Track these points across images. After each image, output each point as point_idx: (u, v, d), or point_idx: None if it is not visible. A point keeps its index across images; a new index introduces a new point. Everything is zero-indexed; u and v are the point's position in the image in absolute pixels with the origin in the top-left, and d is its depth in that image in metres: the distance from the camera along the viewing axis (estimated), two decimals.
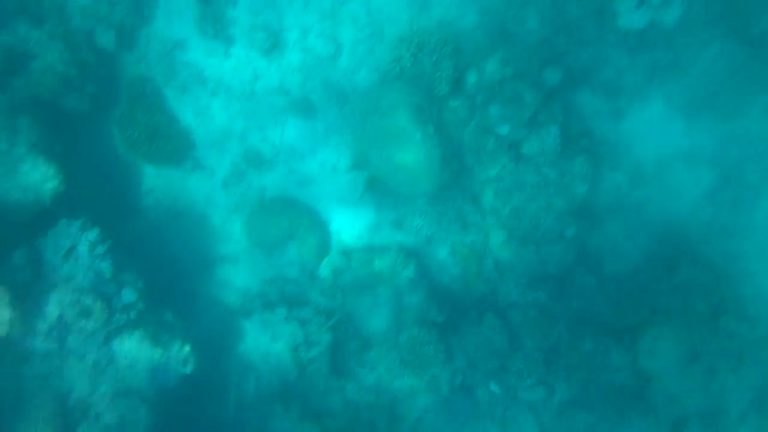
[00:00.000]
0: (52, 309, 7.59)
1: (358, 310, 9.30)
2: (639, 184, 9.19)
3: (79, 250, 7.78)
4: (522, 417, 9.44)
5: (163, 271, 9.19)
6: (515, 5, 8.52)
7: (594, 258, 9.34)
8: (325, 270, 9.43)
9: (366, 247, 9.51)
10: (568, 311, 9.31)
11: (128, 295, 7.96)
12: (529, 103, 8.39)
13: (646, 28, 8.34)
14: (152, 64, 9.07)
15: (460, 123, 8.76)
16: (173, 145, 9.14)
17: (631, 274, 9.24)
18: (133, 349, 7.87)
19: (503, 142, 8.62)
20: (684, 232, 9.15)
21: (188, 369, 8.19)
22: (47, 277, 7.71)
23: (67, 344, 7.66)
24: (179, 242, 9.61)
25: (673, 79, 8.75)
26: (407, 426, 9.56)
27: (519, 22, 8.57)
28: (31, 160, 7.87)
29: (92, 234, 7.83)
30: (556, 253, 9.09)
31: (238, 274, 9.75)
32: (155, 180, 9.53)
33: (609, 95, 8.94)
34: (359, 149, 9.15)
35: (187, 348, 8.20)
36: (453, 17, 8.74)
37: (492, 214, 9.06)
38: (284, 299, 9.60)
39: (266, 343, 9.32)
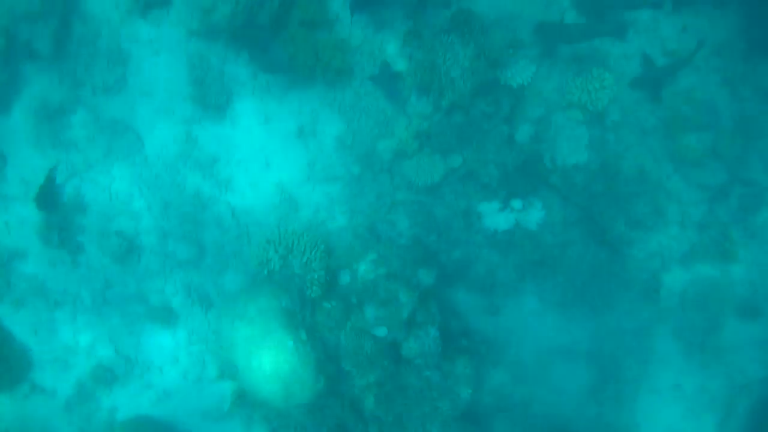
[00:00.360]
0: None
1: None
2: (522, 381, 8.96)
3: None
4: None
5: None
6: (383, 208, 8.65)
7: None
8: None
9: None
10: None
11: None
12: (405, 304, 8.17)
13: (512, 229, 8.59)
14: None
15: (335, 326, 8.33)
16: (4, 367, 8.09)
17: None
18: None
19: (381, 344, 8.23)
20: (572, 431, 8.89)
21: None
22: None
23: None
24: None
25: (543, 275, 8.93)
26: None
27: (388, 223, 8.66)
28: None
29: None
30: None
31: None
32: None
33: (484, 293, 8.96)
34: (226, 358, 8.48)
35: None
36: (322, 219, 8.70)
37: (374, 422, 8.42)
38: None
39: None
